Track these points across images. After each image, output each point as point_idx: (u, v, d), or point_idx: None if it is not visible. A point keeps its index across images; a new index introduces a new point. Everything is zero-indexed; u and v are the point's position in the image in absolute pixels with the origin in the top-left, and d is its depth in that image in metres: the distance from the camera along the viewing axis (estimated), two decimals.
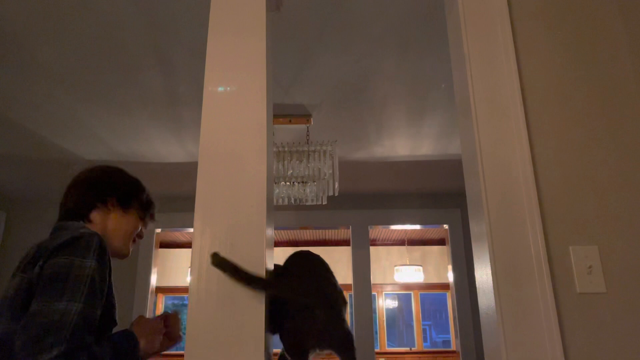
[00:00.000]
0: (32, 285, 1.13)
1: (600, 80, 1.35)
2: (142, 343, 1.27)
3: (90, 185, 1.43)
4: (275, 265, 1.24)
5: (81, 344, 1.06)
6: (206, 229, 1.20)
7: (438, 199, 4.24)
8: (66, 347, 1.02)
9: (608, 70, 1.36)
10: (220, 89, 1.32)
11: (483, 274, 1.22)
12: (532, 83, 1.33)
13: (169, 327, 1.41)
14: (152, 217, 1.54)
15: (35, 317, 1.05)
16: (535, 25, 1.39)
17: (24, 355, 1.02)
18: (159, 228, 4.21)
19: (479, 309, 1.26)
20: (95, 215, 1.39)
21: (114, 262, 1.33)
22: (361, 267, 4.13)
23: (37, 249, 1.19)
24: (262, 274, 1.13)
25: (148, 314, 4.05)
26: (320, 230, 6.48)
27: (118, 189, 1.45)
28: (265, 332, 1.11)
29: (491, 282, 1.16)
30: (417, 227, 4.58)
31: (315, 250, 1.23)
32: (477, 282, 1.27)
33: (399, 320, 7.39)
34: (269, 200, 1.27)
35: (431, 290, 7.19)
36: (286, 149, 2.81)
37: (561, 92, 1.33)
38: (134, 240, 1.48)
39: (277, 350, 1.21)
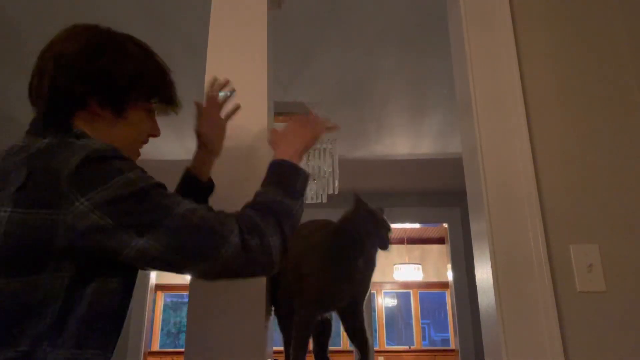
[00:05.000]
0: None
1: (602, 79, 1.35)
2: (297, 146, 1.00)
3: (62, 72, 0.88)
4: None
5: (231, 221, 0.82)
6: None
7: (438, 197, 4.23)
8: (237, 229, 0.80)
9: (609, 69, 1.36)
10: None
11: (483, 273, 1.22)
12: (533, 81, 1.33)
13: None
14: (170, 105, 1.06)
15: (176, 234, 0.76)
16: (536, 24, 1.39)
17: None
18: None
19: (479, 307, 1.26)
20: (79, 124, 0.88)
21: None
22: None
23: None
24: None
25: (147, 313, 4.04)
26: None
27: (107, 81, 0.90)
28: (266, 326, 1.11)
29: (491, 280, 1.16)
30: (417, 225, 4.58)
31: None
32: (477, 281, 1.27)
33: (398, 318, 7.39)
34: None
35: (430, 289, 7.19)
36: None
37: (562, 90, 1.33)
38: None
39: (277, 348, 1.21)
